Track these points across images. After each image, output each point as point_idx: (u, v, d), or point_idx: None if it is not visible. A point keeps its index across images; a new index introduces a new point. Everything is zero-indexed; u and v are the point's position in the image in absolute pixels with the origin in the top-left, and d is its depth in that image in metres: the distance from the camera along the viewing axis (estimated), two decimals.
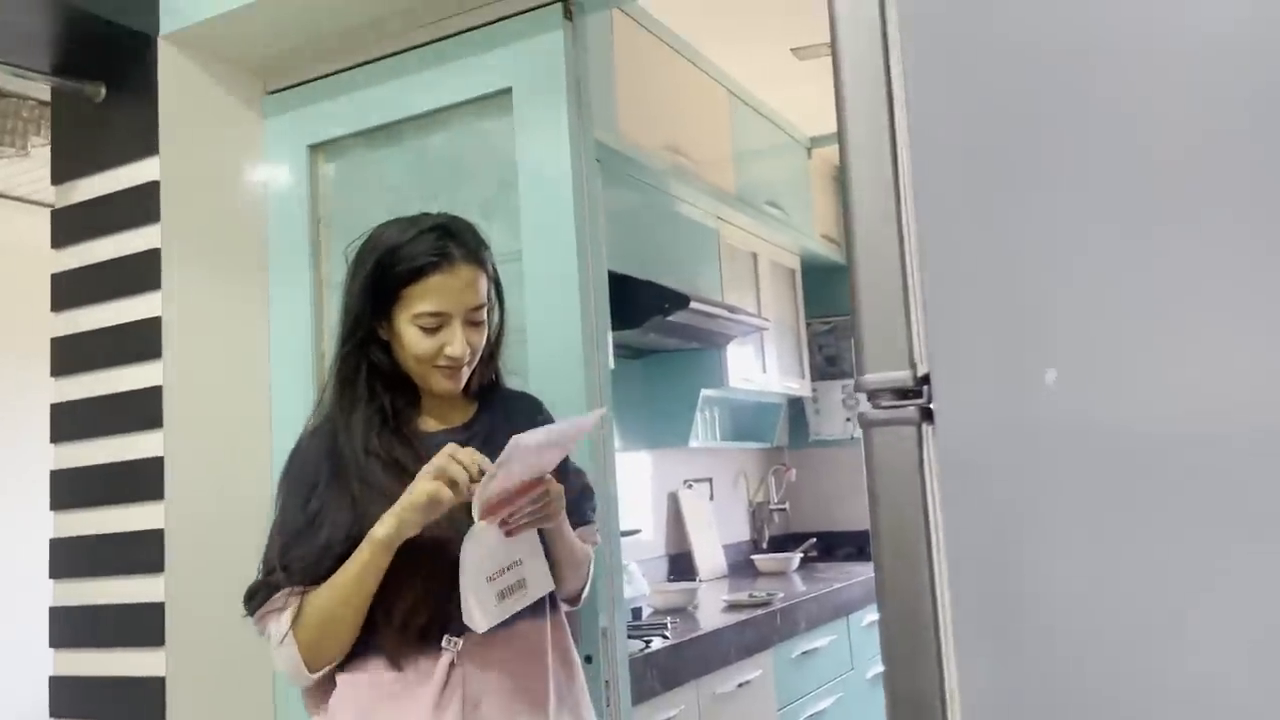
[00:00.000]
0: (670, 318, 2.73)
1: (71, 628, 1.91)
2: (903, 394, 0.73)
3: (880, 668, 2.81)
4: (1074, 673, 0.67)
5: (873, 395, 0.74)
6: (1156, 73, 0.66)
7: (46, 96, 2.90)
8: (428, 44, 1.94)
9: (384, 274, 1.36)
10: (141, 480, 1.84)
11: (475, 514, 1.22)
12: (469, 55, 1.90)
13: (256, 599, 1.34)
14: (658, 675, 2.09)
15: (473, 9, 1.88)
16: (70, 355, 1.96)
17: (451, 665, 1.29)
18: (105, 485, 1.89)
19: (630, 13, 2.70)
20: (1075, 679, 0.67)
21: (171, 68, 1.94)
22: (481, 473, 1.23)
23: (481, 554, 1.27)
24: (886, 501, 0.74)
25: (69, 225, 2.00)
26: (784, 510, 4.10)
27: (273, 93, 2.12)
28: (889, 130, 0.75)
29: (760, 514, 4.05)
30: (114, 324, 1.91)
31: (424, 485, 1.23)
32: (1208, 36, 0.64)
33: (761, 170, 3.48)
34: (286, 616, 1.29)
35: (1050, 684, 0.68)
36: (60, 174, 2.04)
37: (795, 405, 4.14)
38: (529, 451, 1.21)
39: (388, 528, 1.25)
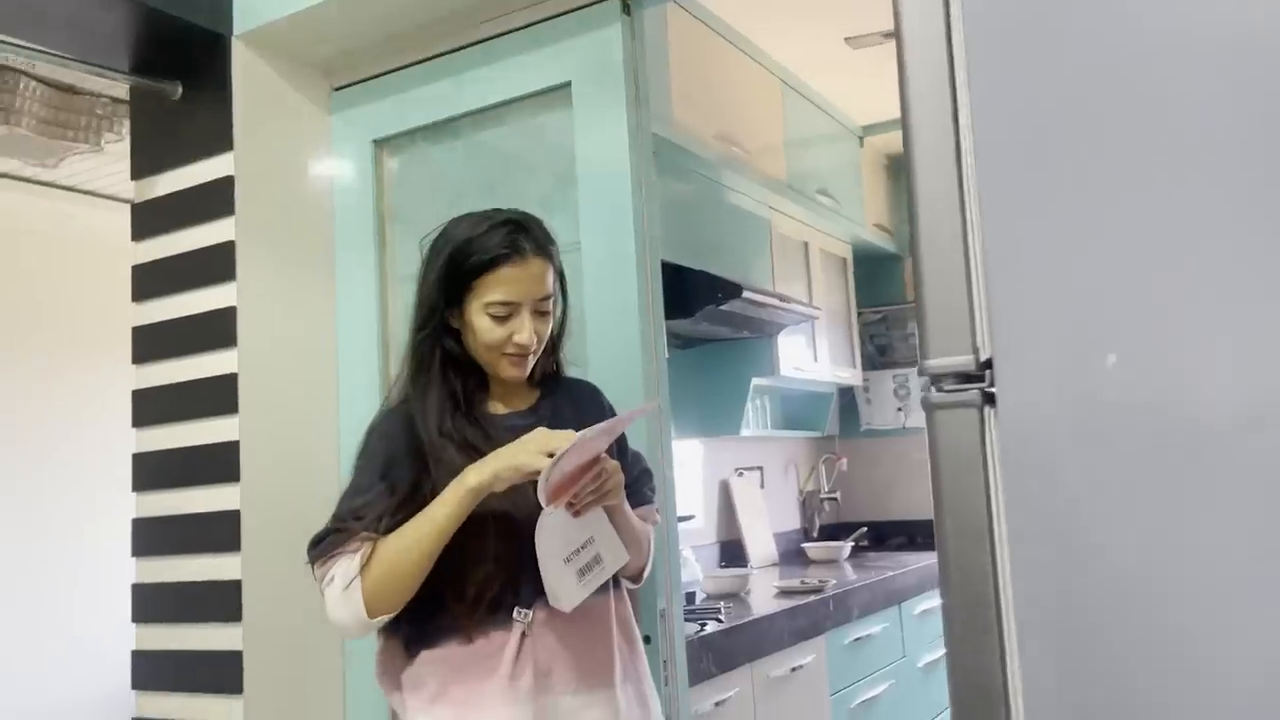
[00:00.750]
0: (723, 307, 2.75)
1: (152, 604, 2.00)
2: (965, 378, 0.76)
3: (932, 656, 2.82)
4: (1136, 655, 0.68)
5: (936, 379, 0.77)
6: (1225, 56, 0.67)
7: (120, 94, 3.01)
8: (488, 40, 1.98)
9: (458, 265, 1.42)
10: (218, 463, 1.92)
11: (542, 500, 1.27)
12: (529, 51, 1.94)
13: (325, 543, 1.38)
14: (713, 657, 2.13)
15: (532, 5, 1.93)
16: (150, 343, 2.05)
17: (523, 636, 1.35)
18: (184, 468, 1.97)
19: (684, 4, 2.73)
20: (1137, 661, 0.68)
21: (244, 66, 2.01)
22: None
23: (555, 538, 1.32)
24: (949, 484, 0.76)
25: (148, 219, 2.08)
26: (834, 499, 4.11)
27: (339, 89, 2.18)
28: (952, 116, 0.77)
29: (811, 503, 4.07)
30: (191, 314, 1.99)
31: (533, 459, 1.27)
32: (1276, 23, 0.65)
33: (813, 159, 3.49)
34: (358, 559, 1.33)
35: (1112, 666, 0.69)
36: (139, 170, 2.12)
37: (846, 395, 4.15)
38: (588, 441, 1.27)
39: (481, 476, 1.30)
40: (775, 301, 3.01)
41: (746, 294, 2.76)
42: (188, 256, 2.01)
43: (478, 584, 1.35)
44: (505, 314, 1.41)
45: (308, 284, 2.09)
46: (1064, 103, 0.73)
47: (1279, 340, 0.64)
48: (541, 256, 1.44)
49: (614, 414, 1.59)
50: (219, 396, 1.94)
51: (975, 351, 0.75)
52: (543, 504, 1.28)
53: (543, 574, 1.32)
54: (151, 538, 2.02)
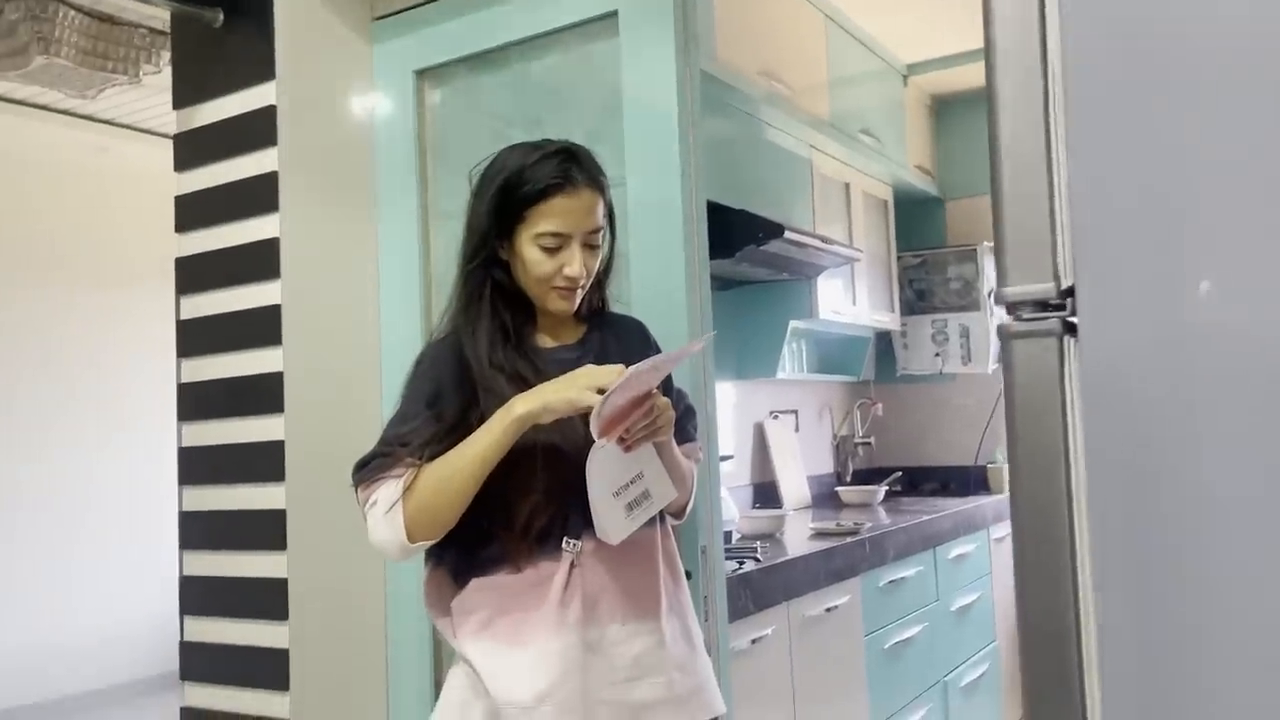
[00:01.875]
0: (764, 247, 2.71)
1: (200, 531, 2.03)
2: (1045, 306, 0.73)
3: (965, 600, 2.81)
4: (1217, 597, 0.66)
5: (1013, 307, 0.75)
6: None
7: (158, 25, 2.99)
8: None
9: (509, 195, 1.41)
10: (263, 394, 1.94)
11: (594, 433, 1.27)
12: None
13: (370, 466, 1.39)
14: (751, 595, 2.13)
15: None
16: (194, 274, 2.06)
17: (571, 566, 1.36)
18: (229, 398, 1.99)
19: None
20: (1218, 603, 0.66)
21: None
22: None
23: (605, 471, 1.33)
24: (1025, 416, 0.74)
25: (191, 149, 2.07)
26: (869, 444, 4.09)
27: (379, 19, 2.15)
28: (1039, 32, 0.74)
29: (845, 447, 4.05)
30: (235, 244, 1.99)
31: (584, 395, 1.27)
32: None
33: (856, 98, 3.41)
34: (401, 484, 1.34)
35: (1192, 607, 0.66)
36: (181, 99, 2.11)
37: (883, 340, 4.11)
38: (640, 376, 1.27)
39: (530, 406, 1.30)
40: (817, 242, 2.96)
41: (789, 234, 2.71)
42: (230, 187, 2.00)
43: (526, 514, 1.36)
44: (556, 245, 1.40)
45: (350, 216, 2.08)
46: (1155, 18, 0.69)
47: None
48: (593, 188, 1.43)
49: (659, 350, 1.58)
50: (263, 327, 1.94)
51: (1056, 278, 0.73)
52: (595, 438, 1.28)
53: (592, 507, 1.33)
54: (198, 467, 2.04)
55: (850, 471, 4.03)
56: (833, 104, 3.22)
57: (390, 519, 1.34)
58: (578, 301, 1.47)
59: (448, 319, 1.49)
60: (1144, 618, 0.68)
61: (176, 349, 2.09)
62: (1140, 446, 0.69)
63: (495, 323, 1.43)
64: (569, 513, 1.37)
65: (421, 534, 1.35)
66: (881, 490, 3.61)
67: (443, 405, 1.39)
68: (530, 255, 1.41)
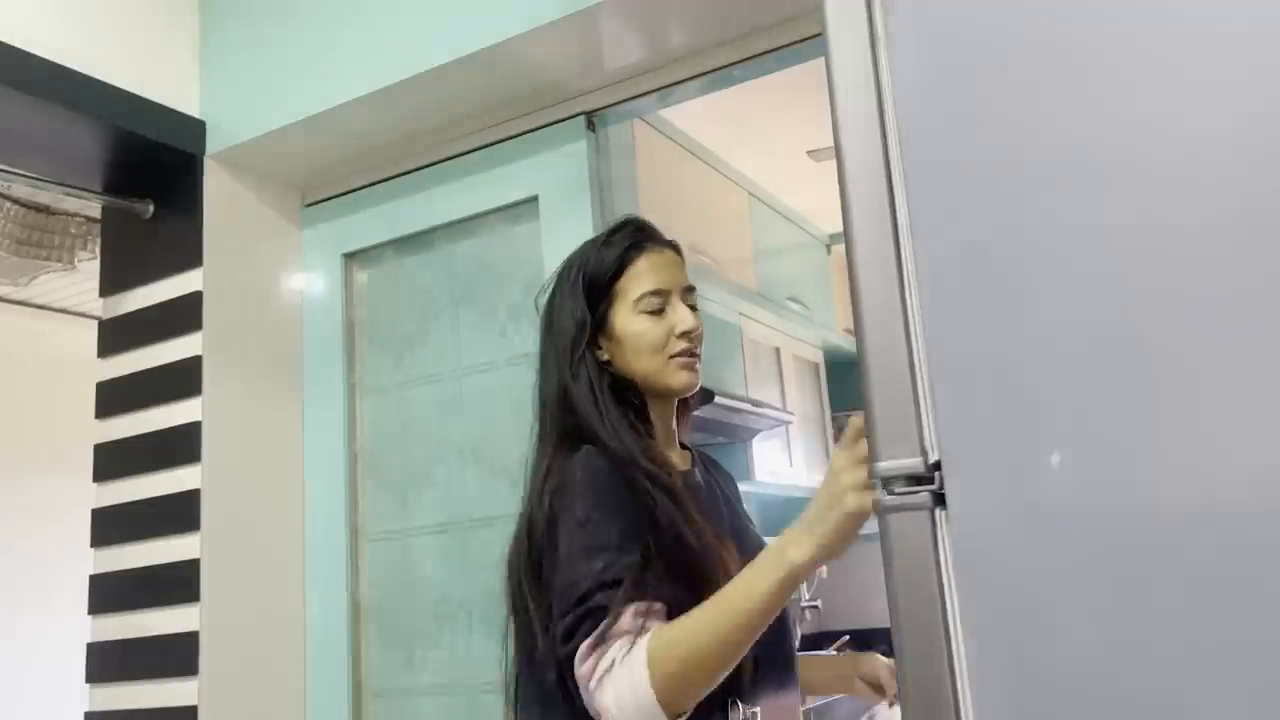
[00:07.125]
0: (696, 413, 2.75)
1: None
2: (915, 480, 0.76)
3: None
4: None
5: (887, 482, 0.77)
6: (1158, 160, 0.69)
7: (93, 213, 3.04)
8: (457, 156, 2.04)
9: (592, 274, 1.29)
10: (179, 582, 1.87)
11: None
12: (496, 166, 1.99)
13: (587, 626, 1.07)
14: None
15: (500, 123, 1.98)
16: (112, 461, 2.02)
17: None
18: (143, 589, 1.92)
19: (650, 121, 2.82)
20: None
21: (216, 185, 2.05)
22: None
23: None
24: (903, 587, 0.75)
25: (115, 335, 2.08)
26: (816, 607, 4.03)
27: (310, 205, 2.22)
28: (892, 226, 0.79)
29: (792, 612, 3.99)
30: (156, 429, 1.97)
31: (859, 498, 1.00)
32: (1226, 119, 0.68)
33: (782, 267, 3.55)
34: (644, 644, 1.04)
35: None
36: (108, 287, 2.13)
37: None
38: None
39: (805, 551, 1.04)
40: (749, 406, 3.01)
41: (720, 399, 2.76)
42: (153, 372, 2.00)
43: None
44: (659, 306, 1.26)
45: (275, 398, 2.08)
46: (1001, 208, 0.75)
47: (1224, 433, 0.65)
48: (673, 249, 1.33)
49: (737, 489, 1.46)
50: (181, 514, 1.90)
51: (924, 453, 0.75)
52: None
53: None
54: (107, 662, 1.95)
55: (798, 637, 3.96)
56: (760, 274, 3.35)
57: (637, 688, 1.03)
58: (699, 373, 1.30)
59: (547, 448, 1.25)
60: None
61: (91, 539, 2.02)
62: (1011, 612, 0.70)
63: (628, 415, 1.22)
64: (742, 672, 1.15)
65: (683, 704, 1.05)
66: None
67: (633, 518, 1.13)
68: (635, 327, 1.25)
